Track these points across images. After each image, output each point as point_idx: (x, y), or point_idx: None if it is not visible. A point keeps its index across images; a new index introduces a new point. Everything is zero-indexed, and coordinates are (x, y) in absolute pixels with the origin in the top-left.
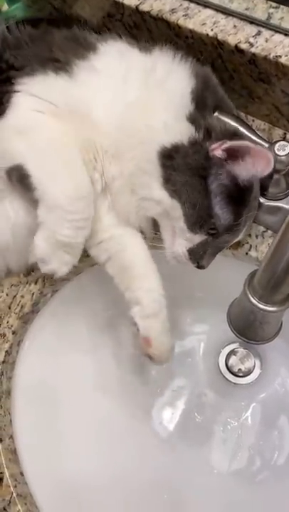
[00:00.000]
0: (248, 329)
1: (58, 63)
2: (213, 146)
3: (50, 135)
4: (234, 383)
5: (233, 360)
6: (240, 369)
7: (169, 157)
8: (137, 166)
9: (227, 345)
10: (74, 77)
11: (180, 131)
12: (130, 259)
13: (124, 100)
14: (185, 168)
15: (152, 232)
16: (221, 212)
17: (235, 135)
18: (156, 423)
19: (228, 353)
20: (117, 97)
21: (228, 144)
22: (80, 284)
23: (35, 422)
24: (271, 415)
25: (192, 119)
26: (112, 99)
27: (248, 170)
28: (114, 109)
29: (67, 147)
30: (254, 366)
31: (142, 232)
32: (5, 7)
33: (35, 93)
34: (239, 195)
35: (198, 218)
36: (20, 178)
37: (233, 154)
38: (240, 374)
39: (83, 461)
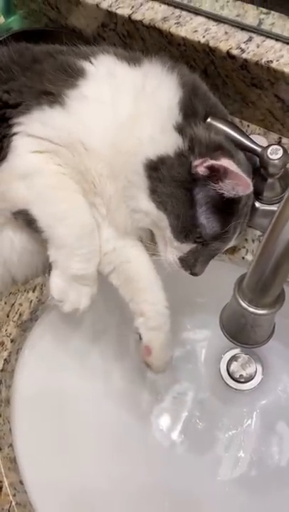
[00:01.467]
0: (240, 333)
1: (51, 96)
2: (196, 162)
3: (51, 181)
4: (236, 389)
5: (234, 366)
6: (241, 375)
7: (155, 169)
8: (127, 178)
9: (228, 351)
10: (67, 109)
11: (166, 143)
12: (135, 271)
13: (115, 121)
14: (170, 180)
15: (150, 242)
16: (207, 221)
17: (219, 148)
18: (158, 430)
19: (229, 359)
20: (108, 120)
21: (210, 162)
22: None
23: (35, 431)
24: (273, 421)
25: (180, 129)
26: (103, 123)
27: (228, 190)
28: (106, 133)
29: (67, 190)
30: (256, 372)
31: (141, 241)
32: (1, 19)
33: (33, 133)
34: (226, 205)
35: (183, 228)
36: (27, 222)
37: (214, 172)
38: (242, 380)
39: (84, 469)
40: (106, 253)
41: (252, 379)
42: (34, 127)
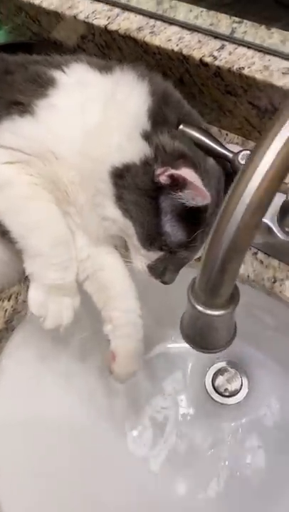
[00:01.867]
0: (198, 337)
1: (22, 106)
2: (158, 171)
3: (22, 191)
4: (221, 403)
5: (219, 380)
6: (226, 389)
7: (120, 176)
8: (95, 186)
9: (214, 364)
10: (36, 118)
11: (132, 151)
12: (108, 279)
13: (83, 130)
14: (134, 188)
15: (124, 250)
16: (171, 229)
17: (182, 156)
18: (139, 445)
19: (214, 373)
20: (76, 128)
21: (170, 172)
22: None
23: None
24: (258, 438)
25: (147, 137)
26: (71, 132)
27: (188, 200)
28: (75, 141)
29: (39, 200)
30: (241, 386)
31: (116, 249)
32: None
33: (4, 143)
34: (191, 214)
35: (148, 236)
36: (1, 232)
37: (175, 181)
38: (227, 394)
39: (61, 492)
40: (81, 260)
41: (237, 393)
42: (5, 137)
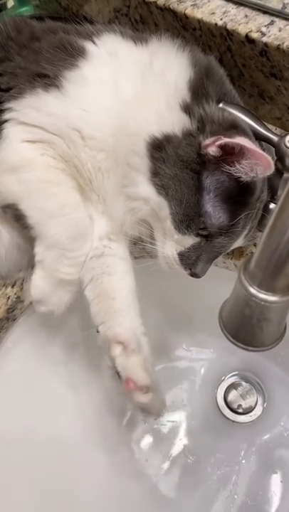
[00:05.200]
0: (243, 330)
1: (47, 79)
2: (207, 141)
3: (43, 174)
4: (233, 421)
5: (233, 394)
6: (240, 405)
7: (159, 148)
8: (127, 163)
9: (227, 377)
10: (64, 92)
11: (173, 121)
12: (115, 287)
13: (118, 103)
14: (176, 160)
15: (149, 239)
16: (213, 210)
17: (233, 126)
18: (142, 461)
19: (227, 387)
20: (110, 102)
21: (223, 140)
22: None
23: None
24: (273, 461)
25: (187, 109)
26: (105, 106)
27: (246, 172)
28: (108, 116)
29: (61, 185)
30: (256, 403)
31: (141, 240)
32: (11, 3)
33: (26, 120)
34: (238, 194)
35: (186, 217)
36: (15, 217)
37: (229, 152)
38: (240, 411)
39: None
40: (92, 256)
41: (252, 410)
42: (27, 114)
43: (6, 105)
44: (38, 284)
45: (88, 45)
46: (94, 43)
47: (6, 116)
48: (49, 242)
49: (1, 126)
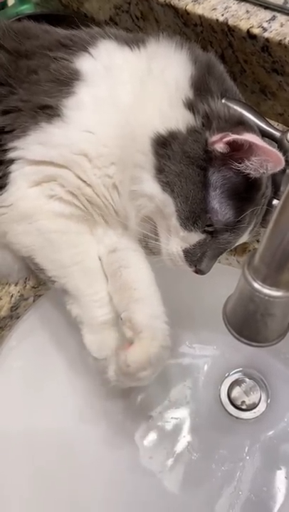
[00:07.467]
0: (247, 326)
1: (50, 109)
2: (214, 138)
3: (52, 224)
4: (236, 417)
5: (236, 391)
6: (243, 401)
7: (164, 145)
8: (133, 163)
9: (231, 374)
10: (65, 120)
11: (177, 118)
12: (133, 278)
13: (119, 111)
14: (181, 157)
15: (154, 236)
16: (219, 206)
17: (240, 123)
18: (146, 458)
19: (231, 383)
20: (110, 114)
21: (231, 137)
22: None
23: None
24: (277, 457)
25: (190, 106)
26: (105, 122)
27: (256, 168)
28: (111, 129)
29: (69, 234)
30: (260, 399)
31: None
32: (11, 0)
33: (33, 157)
34: (244, 190)
35: (192, 213)
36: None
37: (236, 149)
38: (244, 407)
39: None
40: (108, 253)
41: (255, 407)
42: (33, 150)
43: (10, 144)
44: (89, 340)
45: (83, 63)
46: (90, 53)
47: (12, 155)
48: (73, 294)
49: (8, 169)
